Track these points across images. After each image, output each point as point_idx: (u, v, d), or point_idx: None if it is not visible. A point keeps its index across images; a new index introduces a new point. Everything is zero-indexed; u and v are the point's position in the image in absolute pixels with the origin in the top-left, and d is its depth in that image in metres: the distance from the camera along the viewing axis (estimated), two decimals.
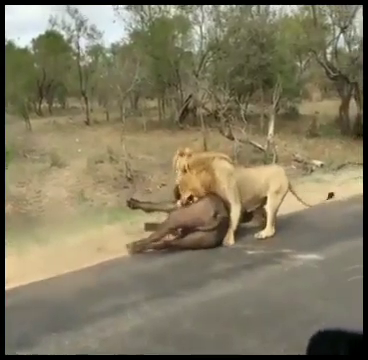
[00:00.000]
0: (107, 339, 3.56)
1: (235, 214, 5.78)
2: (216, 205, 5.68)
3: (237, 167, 6.64)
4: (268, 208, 6.04)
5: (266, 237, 5.89)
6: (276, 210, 6.06)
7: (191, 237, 5.54)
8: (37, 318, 3.91)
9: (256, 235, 5.91)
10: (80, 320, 3.83)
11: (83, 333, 3.65)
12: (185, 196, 5.88)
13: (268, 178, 6.11)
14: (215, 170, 5.90)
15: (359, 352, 1.14)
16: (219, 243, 5.60)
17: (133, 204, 6.39)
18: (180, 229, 5.59)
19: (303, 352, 1.23)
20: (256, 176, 6.18)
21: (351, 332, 1.15)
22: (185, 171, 5.93)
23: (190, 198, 5.86)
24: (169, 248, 5.52)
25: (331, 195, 6.33)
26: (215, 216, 5.61)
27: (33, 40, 30.94)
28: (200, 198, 5.73)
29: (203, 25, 21.09)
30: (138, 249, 5.48)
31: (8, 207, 7.92)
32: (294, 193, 6.39)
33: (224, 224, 5.71)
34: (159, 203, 6.57)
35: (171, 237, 5.64)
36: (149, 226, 6.09)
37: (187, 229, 5.54)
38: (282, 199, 6.15)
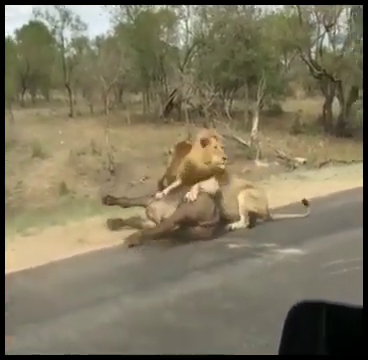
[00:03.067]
0: (87, 331, 3.52)
1: None
2: (215, 201, 5.68)
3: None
4: (240, 200, 6.05)
5: (234, 228, 5.90)
6: (250, 203, 6.06)
7: (189, 231, 5.52)
8: (16, 309, 3.85)
9: (227, 226, 5.92)
10: (59, 311, 3.78)
11: (63, 324, 3.60)
12: (174, 185, 5.87)
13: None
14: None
15: (340, 322, 1.13)
16: (214, 237, 5.59)
17: (109, 200, 6.32)
18: (178, 226, 5.52)
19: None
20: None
21: (331, 303, 1.14)
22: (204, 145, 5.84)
23: (176, 189, 5.84)
24: (168, 238, 5.47)
25: (305, 202, 6.35)
26: (215, 212, 5.63)
27: (16, 30, 30.56)
28: (199, 194, 5.65)
29: (189, 20, 21.07)
30: (137, 240, 5.39)
31: None
32: None
33: (221, 220, 5.76)
34: (136, 198, 6.51)
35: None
36: (112, 222, 6.02)
37: (187, 224, 5.51)
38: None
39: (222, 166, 5.88)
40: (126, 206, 6.29)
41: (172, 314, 3.75)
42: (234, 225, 5.94)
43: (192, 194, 5.64)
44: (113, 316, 3.73)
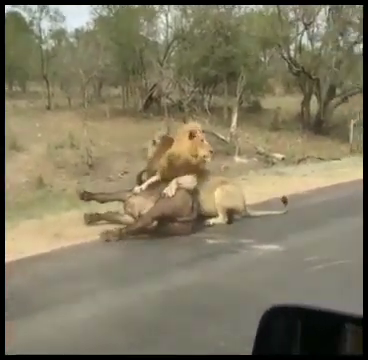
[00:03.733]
0: (64, 327, 3.46)
1: None
2: (193, 197, 5.67)
3: None
4: (217, 197, 6.05)
5: (213, 224, 5.91)
6: (226, 200, 6.07)
7: (168, 227, 5.51)
8: None
9: (206, 222, 5.93)
10: (35, 307, 3.71)
11: (37, 320, 3.54)
12: (152, 179, 5.84)
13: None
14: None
15: (313, 326, 1.11)
16: (193, 232, 5.57)
17: (87, 196, 6.26)
18: (156, 221, 5.48)
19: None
20: None
21: (305, 307, 1.12)
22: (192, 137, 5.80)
23: (154, 184, 5.82)
24: (145, 234, 5.44)
25: (284, 200, 6.38)
26: (192, 208, 5.62)
27: None
28: (177, 189, 5.62)
29: (169, 14, 20.97)
30: (115, 237, 5.33)
31: None
32: None
33: (199, 216, 5.76)
34: (114, 193, 6.46)
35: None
36: (89, 217, 5.95)
37: (165, 219, 5.47)
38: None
39: (208, 159, 5.89)
40: (104, 201, 6.23)
41: (149, 310, 3.72)
42: (213, 220, 5.94)
43: (170, 189, 5.61)
44: (90, 312, 3.68)
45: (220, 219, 5.99)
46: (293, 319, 1.12)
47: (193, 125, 6.46)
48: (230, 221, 6.02)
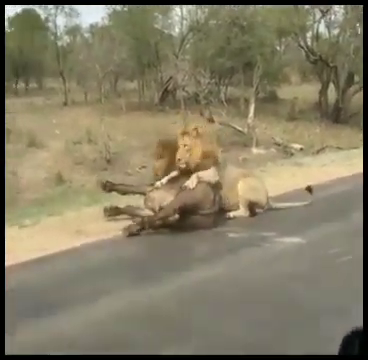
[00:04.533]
0: (86, 324, 3.47)
1: None
2: (214, 190, 5.63)
3: None
4: (240, 190, 6.00)
5: (234, 217, 5.87)
6: (249, 193, 6.00)
7: (190, 220, 5.47)
8: (13, 303, 3.79)
9: (227, 215, 5.88)
10: (58, 304, 3.72)
11: (61, 318, 3.55)
12: (172, 174, 5.79)
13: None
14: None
15: None
16: (215, 226, 5.54)
17: (109, 186, 6.24)
18: (178, 214, 5.45)
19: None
20: None
21: None
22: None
23: (175, 179, 5.78)
24: (167, 227, 5.43)
25: (309, 189, 6.28)
26: (214, 201, 5.58)
27: (8, 18, 30.12)
28: (198, 183, 5.59)
29: (184, 6, 20.83)
30: (137, 227, 5.34)
31: None
32: None
33: (220, 209, 5.72)
34: (135, 186, 6.45)
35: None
36: (108, 211, 5.95)
37: (187, 212, 5.45)
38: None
39: (182, 165, 5.78)
40: (125, 193, 6.23)
41: (173, 306, 3.71)
42: (233, 213, 5.89)
43: (191, 182, 5.58)
44: (115, 308, 3.69)
45: (241, 212, 5.94)
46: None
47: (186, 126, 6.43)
48: (253, 214, 5.96)
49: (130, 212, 5.98)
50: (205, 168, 5.70)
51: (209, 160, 5.77)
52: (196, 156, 5.74)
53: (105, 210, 5.95)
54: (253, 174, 6.63)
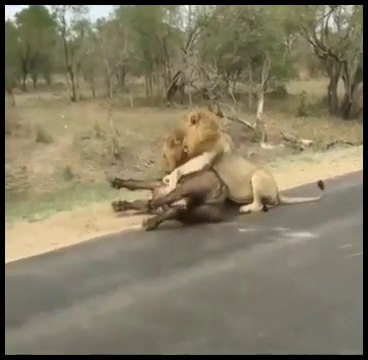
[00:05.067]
0: (98, 318, 3.47)
1: None
2: (220, 179, 5.62)
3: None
4: (254, 183, 5.94)
5: (249, 211, 5.82)
6: (263, 187, 5.95)
7: (199, 210, 5.45)
8: (25, 297, 3.80)
9: (241, 209, 5.84)
10: (69, 298, 3.72)
11: (73, 312, 3.55)
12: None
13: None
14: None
15: None
16: (222, 217, 5.52)
17: (118, 183, 6.23)
18: (186, 203, 5.43)
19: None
20: None
21: None
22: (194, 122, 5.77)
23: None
24: (179, 219, 5.43)
25: (321, 185, 6.24)
26: (221, 189, 5.55)
27: (17, 14, 30.17)
28: (201, 172, 5.62)
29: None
30: (154, 223, 5.34)
31: None
32: None
33: (231, 202, 5.69)
34: (143, 181, 6.45)
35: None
36: (117, 205, 5.94)
37: (195, 200, 5.43)
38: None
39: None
40: (134, 188, 6.22)
41: (184, 300, 3.69)
42: (248, 207, 5.84)
43: (172, 178, 5.64)
44: (126, 302, 3.68)
45: (255, 206, 5.88)
46: None
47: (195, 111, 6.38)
48: (265, 209, 5.91)
49: (139, 206, 5.98)
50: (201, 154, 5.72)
51: (205, 145, 5.75)
52: (192, 142, 5.76)
53: (114, 205, 5.95)
54: (265, 168, 6.57)
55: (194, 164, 5.74)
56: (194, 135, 5.78)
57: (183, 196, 5.46)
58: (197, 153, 5.76)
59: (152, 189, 5.99)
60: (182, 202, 5.44)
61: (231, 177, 5.83)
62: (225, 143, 5.95)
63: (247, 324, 3.33)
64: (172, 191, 5.56)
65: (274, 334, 3.18)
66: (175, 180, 5.63)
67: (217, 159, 5.79)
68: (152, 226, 5.31)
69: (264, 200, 5.93)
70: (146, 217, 5.44)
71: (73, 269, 4.35)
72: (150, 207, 5.62)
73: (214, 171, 5.71)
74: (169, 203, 5.50)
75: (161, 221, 5.37)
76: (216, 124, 5.95)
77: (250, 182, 5.93)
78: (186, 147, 5.83)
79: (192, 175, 5.65)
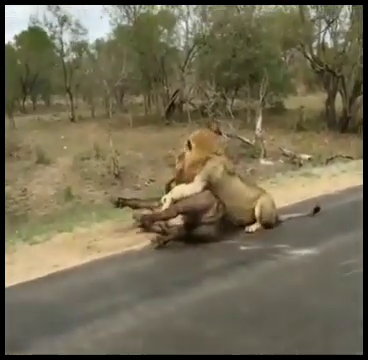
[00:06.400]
0: (101, 340, 3.44)
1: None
2: (217, 198, 5.62)
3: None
4: (257, 210, 5.92)
5: (252, 231, 5.79)
6: (265, 214, 5.93)
7: (197, 231, 5.45)
8: (27, 320, 3.78)
9: (246, 229, 5.82)
10: (72, 321, 3.70)
11: (76, 335, 3.52)
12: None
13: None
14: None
15: None
16: (219, 238, 5.50)
17: (122, 202, 6.25)
18: (183, 223, 5.44)
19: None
20: None
21: None
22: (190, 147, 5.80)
23: None
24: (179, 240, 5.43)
25: (317, 209, 6.25)
26: (218, 208, 5.56)
27: (16, 36, 30.54)
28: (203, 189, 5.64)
29: (189, 20, 21.02)
30: (163, 241, 5.35)
31: None
32: None
33: (223, 219, 5.66)
34: (145, 200, 6.47)
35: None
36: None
37: (192, 220, 5.43)
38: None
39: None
40: (136, 207, 6.23)
41: (187, 321, 3.67)
42: (252, 228, 5.82)
43: (165, 204, 5.65)
44: (129, 324, 3.66)
45: (259, 226, 5.87)
46: None
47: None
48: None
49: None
50: (193, 179, 5.74)
51: (196, 169, 5.77)
52: (185, 166, 5.85)
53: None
54: (267, 194, 6.43)
55: (184, 189, 5.76)
56: (188, 160, 5.85)
57: (179, 213, 5.48)
58: (190, 178, 5.79)
59: (151, 209, 6.01)
60: (179, 221, 5.47)
61: (235, 202, 5.80)
62: (218, 165, 5.84)
63: (252, 344, 3.31)
64: (167, 209, 5.59)
65: (279, 353, 3.15)
66: (168, 203, 5.67)
67: (209, 182, 5.77)
68: (161, 244, 5.32)
69: (265, 225, 5.92)
70: (155, 235, 5.46)
71: (75, 291, 4.33)
72: (144, 222, 5.70)
73: (211, 190, 5.71)
74: (165, 220, 5.55)
75: (170, 240, 5.39)
76: (209, 147, 5.91)
77: (253, 209, 5.91)
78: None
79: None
